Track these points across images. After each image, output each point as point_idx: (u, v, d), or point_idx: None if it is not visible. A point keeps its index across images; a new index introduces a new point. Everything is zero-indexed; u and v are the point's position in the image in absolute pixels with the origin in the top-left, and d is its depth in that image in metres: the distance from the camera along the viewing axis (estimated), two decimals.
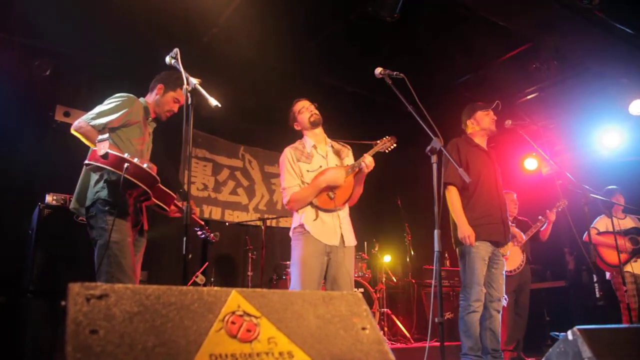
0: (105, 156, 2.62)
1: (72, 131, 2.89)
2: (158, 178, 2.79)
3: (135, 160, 2.65)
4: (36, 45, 5.16)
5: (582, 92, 6.11)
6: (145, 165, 2.69)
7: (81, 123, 2.89)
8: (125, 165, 2.61)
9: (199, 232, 3.37)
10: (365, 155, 3.41)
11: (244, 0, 4.72)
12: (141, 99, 3.20)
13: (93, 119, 2.91)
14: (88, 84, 5.48)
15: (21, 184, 4.91)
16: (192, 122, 2.65)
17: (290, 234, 3.41)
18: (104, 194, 2.85)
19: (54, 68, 5.20)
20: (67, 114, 5.33)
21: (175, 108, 3.26)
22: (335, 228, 3.32)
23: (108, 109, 2.96)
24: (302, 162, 3.42)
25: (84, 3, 4.54)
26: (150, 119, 3.24)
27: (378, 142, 3.57)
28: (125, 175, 2.61)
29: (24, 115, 5.04)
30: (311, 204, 3.33)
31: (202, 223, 3.36)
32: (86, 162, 2.75)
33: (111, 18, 4.78)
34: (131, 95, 3.10)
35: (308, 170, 3.40)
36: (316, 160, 3.46)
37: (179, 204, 3.06)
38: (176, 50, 2.83)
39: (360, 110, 6.94)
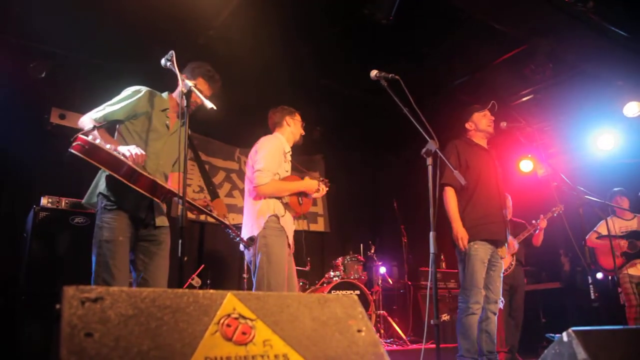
0: (74, 139, 2.52)
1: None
2: (133, 165, 2.58)
3: (100, 143, 2.54)
4: (32, 47, 5.14)
5: (577, 94, 6.13)
6: (98, 141, 2.55)
7: (84, 117, 2.83)
8: (86, 147, 2.49)
9: (232, 236, 3.18)
10: (324, 188, 3.71)
11: (241, 3, 4.72)
12: (164, 94, 3.11)
13: (97, 111, 2.85)
14: (84, 86, 5.46)
15: (16, 186, 4.89)
16: (188, 124, 2.65)
17: (263, 222, 3.34)
18: (102, 187, 2.79)
19: (49, 70, 5.17)
20: (62, 117, 5.31)
21: (198, 100, 3.02)
22: (292, 231, 3.53)
23: (113, 100, 2.92)
24: (282, 158, 3.59)
25: (80, 5, 4.53)
26: (175, 112, 3.11)
27: (321, 179, 3.86)
28: (75, 152, 2.48)
29: (19, 117, 5.02)
30: (281, 200, 3.45)
31: (229, 223, 3.09)
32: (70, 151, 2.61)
33: (107, 20, 4.77)
34: (143, 87, 3.00)
35: (285, 171, 3.59)
36: (288, 164, 3.69)
37: (203, 202, 3.01)
38: (172, 52, 2.83)
39: (356, 113, 6.96)
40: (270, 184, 3.35)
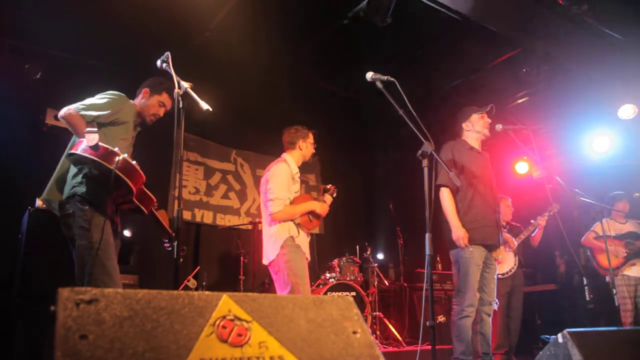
0: (95, 147, 2.48)
1: (60, 117, 2.76)
2: (144, 176, 2.68)
3: (125, 155, 2.54)
4: (27, 48, 5.12)
5: (571, 96, 6.16)
6: (134, 162, 2.60)
7: (70, 110, 2.75)
8: (117, 158, 2.48)
9: (166, 244, 2.99)
10: (328, 200, 3.97)
11: (237, 4, 4.72)
12: (130, 102, 3.14)
13: (84, 109, 2.78)
14: (79, 87, 5.41)
15: (11, 187, 4.85)
16: (184, 126, 2.64)
17: (280, 244, 3.60)
18: (81, 190, 2.72)
19: (45, 71, 5.16)
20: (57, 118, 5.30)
21: (161, 112, 3.21)
22: (307, 245, 3.80)
23: (100, 103, 2.86)
24: (291, 182, 3.80)
25: (76, 6, 4.52)
26: (136, 122, 3.16)
27: (328, 187, 4.13)
28: (116, 171, 2.47)
29: (15, 118, 4.99)
30: (294, 221, 3.71)
31: (172, 233, 2.81)
32: (70, 152, 2.60)
33: (103, 21, 4.77)
34: (123, 95, 3.03)
35: (295, 192, 3.81)
36: (297, 184, 3.90)
37: (157, 213, 2.99)
38: (167, 53, 2.82)
39: (352, 114, 6.97)
40: (282, 211, 3.62)
